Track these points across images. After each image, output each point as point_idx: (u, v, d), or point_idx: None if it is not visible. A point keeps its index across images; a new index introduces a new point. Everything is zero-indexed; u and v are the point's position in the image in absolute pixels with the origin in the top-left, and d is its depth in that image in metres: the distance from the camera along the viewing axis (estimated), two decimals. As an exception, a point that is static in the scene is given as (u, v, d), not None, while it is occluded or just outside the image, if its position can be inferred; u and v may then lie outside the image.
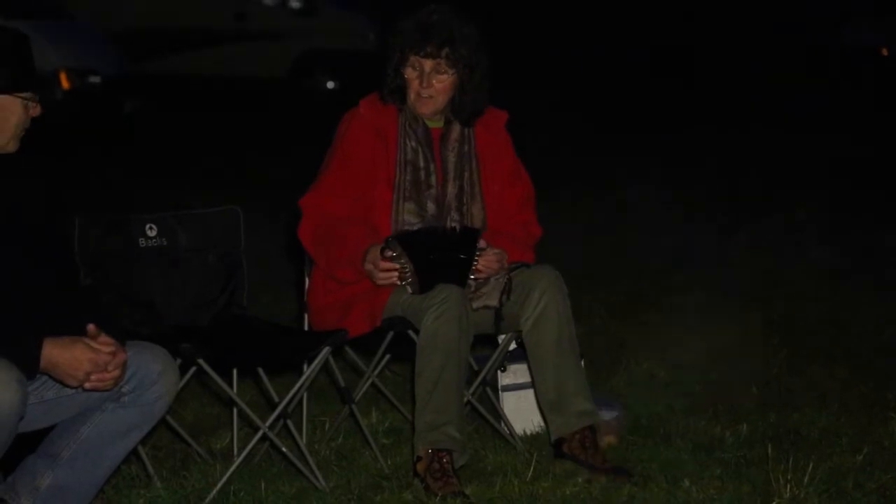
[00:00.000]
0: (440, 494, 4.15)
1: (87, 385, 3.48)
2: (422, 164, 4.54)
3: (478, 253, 4.42)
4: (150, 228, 4.45)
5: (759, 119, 14.06)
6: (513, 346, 4.68)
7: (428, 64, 4.50)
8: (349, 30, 16.25)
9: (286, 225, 5.08)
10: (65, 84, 12.16)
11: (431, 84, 4.50)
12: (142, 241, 4.42)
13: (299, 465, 4.32)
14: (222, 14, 16.13)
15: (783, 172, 11.03)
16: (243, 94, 15.53)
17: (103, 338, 3.50)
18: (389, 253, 4.37)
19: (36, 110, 3.67)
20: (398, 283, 4.39)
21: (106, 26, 14.33)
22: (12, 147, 3.64)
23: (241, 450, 4.34)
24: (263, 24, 16.25)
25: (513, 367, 4.81)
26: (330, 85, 16.04)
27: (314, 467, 4.29)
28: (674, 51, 19.38)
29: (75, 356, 3.44)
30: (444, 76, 4.51)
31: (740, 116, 14.34)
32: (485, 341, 4.73)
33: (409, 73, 4.52)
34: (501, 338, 4.66)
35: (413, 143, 4.55)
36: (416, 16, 4.53)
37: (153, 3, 15.90)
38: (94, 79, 12.51)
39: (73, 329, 3.49)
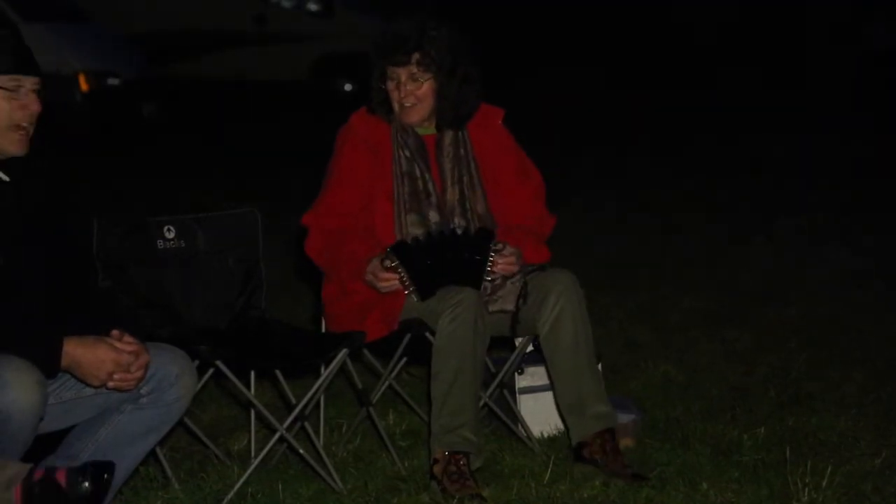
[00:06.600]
0: (457, 497, 4.15)
1: (109, 384, 3.49)
2: (418, 173, 4.52)
3: (493, 254, 4.42)
4: (169, 230, 4.45)
5: (777, 120, 14.02)
6: (530, 348, 4.67)
7: (402, 72, 4.47)
8: (366, 32, 16.28)
9: (300, 231, 5.08)
10: (83, 86, 12.19)
11: (410, 92, 4.48)
12: (160, 243, 4.42)
13: (316, 466, 4.32)
14: (242, 17, 16.17)
15: (802, 174, 10.99)
16: (262, 97, 15.54)
17: (127, 338, 3.51)
18: (388, 263, 4.38)
19: (35, 104, 3.55)
20: (403, 289, 4.39)
21: (125, 29, 14.37)
22: (6, 142, 3.54)
23: (258, 452, 4.35)
24: (282, 28, 16.29)
25: (530, 370, 4.80)
26: (348, 87, 16.06)
27: (331, 469, 4.30)
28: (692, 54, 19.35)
29: (98, 356, 3.45)
30: (421, 83, 4.48)
31: (757, 118, 14.30)
32: (502, 343, 4.73)
33: (390, 85, 4.50)
34: (519, 340, 4.66)
35: (407, 154, 4.53)
36: (389, 26, 4.52)
37: (172, 5, 15.94)
38: (113, 81, 12.54)
39: (90, 330, 3.50)
